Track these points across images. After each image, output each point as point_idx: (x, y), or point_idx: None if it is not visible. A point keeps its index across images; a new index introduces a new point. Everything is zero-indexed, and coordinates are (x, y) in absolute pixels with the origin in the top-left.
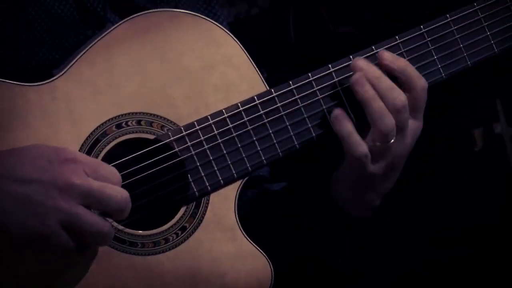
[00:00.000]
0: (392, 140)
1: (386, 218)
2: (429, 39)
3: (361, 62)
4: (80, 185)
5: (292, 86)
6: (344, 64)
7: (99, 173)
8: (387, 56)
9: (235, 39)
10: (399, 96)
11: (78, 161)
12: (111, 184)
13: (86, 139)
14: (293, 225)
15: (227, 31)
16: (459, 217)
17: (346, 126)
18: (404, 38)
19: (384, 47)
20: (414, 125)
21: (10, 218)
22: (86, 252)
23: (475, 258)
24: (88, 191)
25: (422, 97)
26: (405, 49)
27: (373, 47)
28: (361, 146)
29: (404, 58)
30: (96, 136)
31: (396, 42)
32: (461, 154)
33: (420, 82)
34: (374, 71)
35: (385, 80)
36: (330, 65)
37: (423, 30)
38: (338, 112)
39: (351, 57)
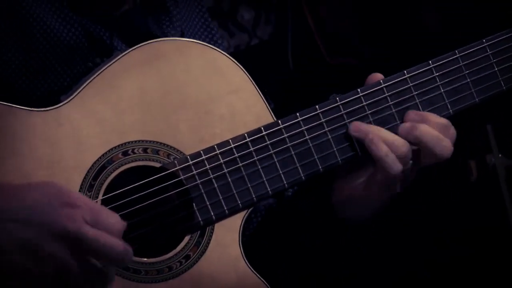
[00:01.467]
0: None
1: (385, 220)
2: (437, 74)
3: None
4: (73, 232)
5: (300, 118)
6: (352, 98)
7: (99, 220)
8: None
9: (243, 69)
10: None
11: (78, 206)
12: (107, 234)
13: (92, 165)
14: (294, 241)
15: (235, 61)
16: (457, 219)
17: (383, 147)
18: (413, 73)
19: (393, 81)
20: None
21: (9, 259)
22: None
23: (474, 259)
24: (81, 239)
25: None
26: (413, 83)
27: (381, 81)
28: (397, 165)
29: (412, 92)
30: (102, 163)
31: (404, 77)
32: (457, 184)
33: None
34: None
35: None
36: (337, 98)
37: (431, 66)
38: (373, 135)
39: (358, 90)
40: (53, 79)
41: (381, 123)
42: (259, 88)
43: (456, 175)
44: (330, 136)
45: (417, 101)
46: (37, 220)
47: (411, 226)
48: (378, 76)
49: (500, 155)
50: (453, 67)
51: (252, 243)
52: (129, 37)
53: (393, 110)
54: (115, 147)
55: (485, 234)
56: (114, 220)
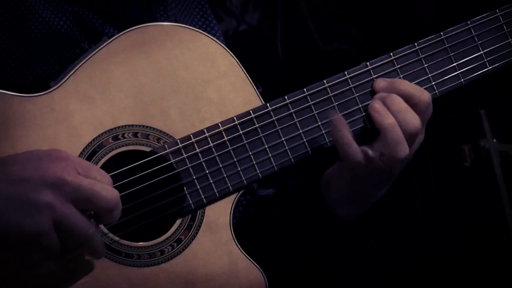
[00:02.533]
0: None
1: (377, 219)
2: (423, 55)
3: (381, 83)
4: (70, 181)
5: (288, 101)
6: (339, 80)
7: (90, 174)
8: (382, 84)
9: (231, 53)
10: (414, 120)
11: (70, 160)
12: (101, 183)
13: (83, 150)
14: (285, 230)
15: (224, 46)
16: (452, 204)
17: (344, 134)
18: (399, 55)
19: (379, 63)
20: (418, 139)
21: (3, 218)
22: (68, 256)
23: (468, 246)
24: (78, 187)
25: (427, 111)
26: (399, 65)
27: (368, 63)
28: (357, 154)
29: (399, 74)
30: (93, 148)
31: (390, 59)
32: (451, 169)
33: (423, 96)
34: (394, 97)
35: (400, 102)
36: (325, 81)
37: (417, 47)
38: (337, 118)
39: (345, 72)
40: (42, 67)
41: (367, 105)
42: (247, 73)
43: (450, 160)
44: (318, 119)
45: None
46: (27, 176)
47: (405, 214)
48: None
49: (494, 140)
50: (439, 49)
51: (245, 228)
52: (121, 24)
53: None
54: (105, 132)
55: (480, 219)
56: (104, 173)
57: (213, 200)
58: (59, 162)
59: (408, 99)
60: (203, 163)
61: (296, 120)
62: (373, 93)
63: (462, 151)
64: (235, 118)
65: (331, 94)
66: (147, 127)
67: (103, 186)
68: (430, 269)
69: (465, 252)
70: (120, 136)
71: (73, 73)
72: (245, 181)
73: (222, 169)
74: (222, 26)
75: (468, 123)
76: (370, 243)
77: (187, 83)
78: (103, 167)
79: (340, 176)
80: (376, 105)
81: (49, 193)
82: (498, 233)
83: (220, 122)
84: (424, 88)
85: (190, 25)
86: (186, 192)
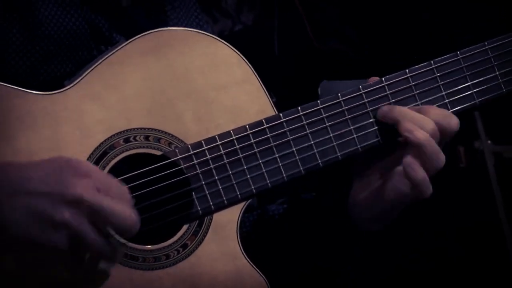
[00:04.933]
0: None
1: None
2: (438, 74)
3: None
4: (90, 201)
5: (301, 113)
6: (354, 94)
7: (111, 191)
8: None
9: (247, 62)
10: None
11: (89, 176)
12: (119, 203)
13: (94, 150)
14: (294, 239)
15: (239, 53)
16: (448, 205)
17: (421, 173)
18: (414, 73)
19: (394, 80)
20: None
21: (19, 230)
22: (81, 270)
23: (463, 245)
24: (97, 208)
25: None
26: (414, 82)
27: (383, 79)
28: (430, 187)
29: (413, 91)
30: (104, 149)
31: (405, 76)
32: (447, 170)
33: (453, 122)
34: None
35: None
36: (339, 94)
37: (433, 66)
38: (410, 160)
39: (360, 87)
40: (56, 65)
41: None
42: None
43: (446, 161)
44: (330, 131)
45: (418, 102)
46: (49, 190)
47: (400, 215)
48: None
49: (488, 141)
50: (455, 68)
51: (253, 239)
52: (127, 32)
53: None
54: (117, 134)
55: (474, 220)
56: (125, 190)
57: (221, 207)
58: (79, 178)
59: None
60: (213, 170)
61: (308, 132)
62: None
63: (457, 153)
64: (247, 126)
65: (344, 108)
66: (159, 130)
67: (122, 208)
68: (423, 268)
69: (460, 251)
70: (131, 139)
71: (88, 73)
72: (254, 190)
73: (232, 176)
74: (218, 27)
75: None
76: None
77: (202, 89)
78: (113, 168)
79: (377, 203)
80: (406, 124)
81: (68, 211)
82: (492, 233)
83: (232, 130)
84: (438, 105)
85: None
86: (195, 198)
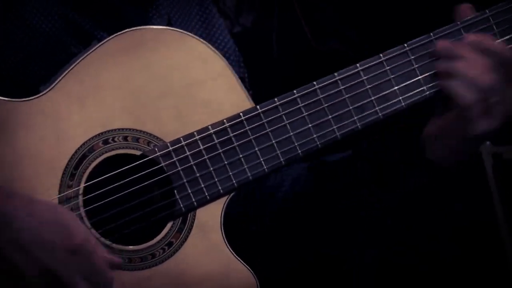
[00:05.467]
0: (496, 99)
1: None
2: (413, 57)
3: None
4: (65, 283)
5: (277, 103)
6: (329, 81)
7: (96, 274)
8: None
9: (221, 56)
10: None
11: (78, 254)
12: None
13: (73, 154)
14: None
15: (213, 48)
16: (444, 206)
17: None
18: (388, 56)
19: (369, 65)
20: None
21: None
22: None
23: (460, 246)
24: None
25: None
26: (389, 67)
27: (358, 64)
28: (469, 93)
29: (388, 76)
30: (83, 152)
31: (380, 60)
32: (445, 171)
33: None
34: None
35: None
36: (315, 82)
37: (407, 48)
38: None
39: (335, 74)
40: (31, 70)
41: (358, 107)
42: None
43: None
44: (308, 120)
45: (395, 87)
46: (34, 254)
47: (398, 214)
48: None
49: (487, 143)
50: (429, 50)
51: (237, 230)
52: (114, 27)
53: (371, 95)
54: (95, 136)
55: (472, 220)
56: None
57: (203, 202)
58: (67, 256)
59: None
60: (194, 166)
61: (286, 122)
62: (363, 95)
63: None
64: (225, 120)
65: (320, 96)
66: (137, 130)
67: None
68: (421, 267)
69: (458, 251)
70: (110, 140)
71: (64, 76)
72: (235, 184)
73: (213, 171)
74: None
75: None
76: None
77: (178, 86)
78: (94, 171)
79: (449, 132)
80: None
81: (40, 280)
82: (490, 234)
83: (210, 125)
84: (416, 91)
85: (188, 23)
86: (177, 195)
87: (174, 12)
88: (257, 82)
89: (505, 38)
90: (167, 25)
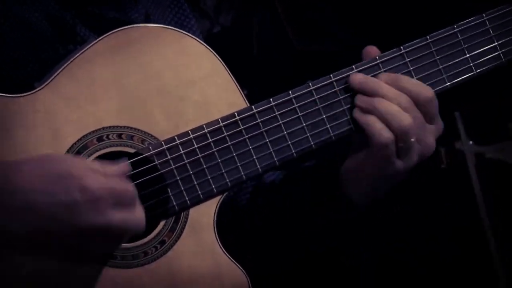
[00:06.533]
0: (413, 139)
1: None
2: (409, 59)
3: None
4: (101, 225)
5: (273, 103)
6: (324, 82)
7: (121, 200)
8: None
9: (215, 54)
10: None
11: (101, 199)
12: (129, 212)
13: (67, 151)
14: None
15: (208, 46)
16: (428, 206)
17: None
18: (384, 59)
19: (364, 67)
20: (433, 129)
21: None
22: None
23: (444, 246)
24: (109, 229)
25: (430, 105)
26: (385, 69)
27: (353, 66)
28: (385, 131)
29: (380, 68)
30: (77, 149)
31: (375, 62)
32: (428, 171)
33: (426, 91)
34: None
35: (387, 105)
36: (310, 83)
37: (403, 51)
38: (363, 99)
39: (331, 76)
40: (25, 67)
41: (353, 108)
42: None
43: (427, 162)
44: (303, 120)
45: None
46: (62, 226)
47: (381, 216)
48: (374, 49)
49: (470, 142)
50: (425, 52)
51: (229, 230)
52: (94, 23)
53: None
54: (89, 133)
55: (455, 220)
56: (130, 189)
57: (197, 202)
58: (90, 204)
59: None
60: (188, 165)
61: (281, 122)
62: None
63: (438, 153)
64: (220, 120)
65: (316, 97)
66: (131, 128)
67: (131, 219)
68: (406, 269)
69: (440, 253)
70: (104, 137)
71: (57, 74)
72: (229, 183)
73: (207, 170)
74: None
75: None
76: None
77: (172, 85)
78: None
79: (366, 168)
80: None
81: (83, 239)
82: (473, 234)
83: (205, 124)
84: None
85: (163, 20)
86: (170, 194)
87: (151, 9)
88: (237, 81)
89: (499, 42)
90: (145, 20)
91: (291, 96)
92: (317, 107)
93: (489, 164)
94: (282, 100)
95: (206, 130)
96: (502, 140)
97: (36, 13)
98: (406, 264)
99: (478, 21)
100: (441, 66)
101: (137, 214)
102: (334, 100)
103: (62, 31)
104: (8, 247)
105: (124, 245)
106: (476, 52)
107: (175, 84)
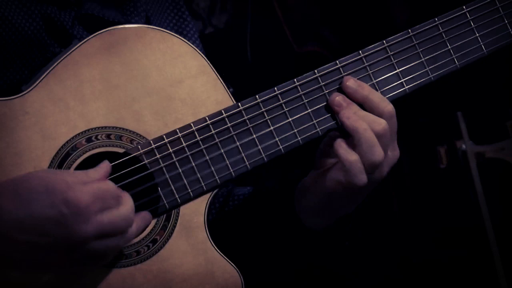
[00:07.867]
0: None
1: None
2: (392, 53)
3: (351, 82)
4: (91, 231)
5: (259, 100)
6: (309, 78)
7: (105, 202)
8: (351, 84)
9: (201, 54)
10: (379, 121)
11: (84, 206)
12: (117, 211)
13: (57, 152)
14: (256, 232)
15: (194, 46)
16: (428, 206)
17: (353, 155)
18: (367, 53)
19: (348, 61)
20: (390, 154)
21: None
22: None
23: (445, 247)
24: (100, 231)
25: (391, 123)
26: (368, 63)
27: (337, 61)
28: (363, 175)
29: (368, 71)
30: (67, 150)
31: (359, 57)
32: (427, 171)
33: (387, 108)
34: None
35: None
36: (295, 79)
37: (386, 45)
38: (340, 141)
39: (315, 71)
40: (12, 72)
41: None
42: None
43: (425, 162)
44: (289, 116)
45: (373, 81)
46: (53, 239)
47: (381, 217)
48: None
49: (470, 141)
50: (407, 46)
51: (222, 225)
52: (92, 24)
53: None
54: (78, 134)
55: (457, 221)
56: (111, 187)
57: (187, 199)
58: (78, 218)
59: (371, 110)
60: (176, 163)
61: (267, 118)
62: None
63: (437, 153)
64: (207, 118)
65: (301, 93)
66: (120, 128)
67: (117, 214)
68: (407, 271)
69: (442, 254)
70: (93, 138)
71: (45, 76)
72: (218, 180)
73: (195, 168)
74: None
75: (443, 125)
76: (344, 247)
77: (159, 84)
78: (77, 169)
79: (316, 188)
80: (345, 111)
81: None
82: (475, 234)
83: (193, 122)
84: (392, 86)
85: (162, 24)
86: (160, 193)
87: (152, 11)
88: (231, 83)
89: (479, 34)
90: (145, 23)
91: (277, 92)
92: (302, 103)
93: (489, 163)
94: (268, 96)
95: (193, 128)
96: (502, 139)
97: (31, 18)
98: (406, 264)
99: (458, 14)
100: (423, 59)
101: (122, 209)
102: (319, 95)
103: (58, 34)
104: (5, 268)
105: None
106: (457, 44)
107: (162, 83)
